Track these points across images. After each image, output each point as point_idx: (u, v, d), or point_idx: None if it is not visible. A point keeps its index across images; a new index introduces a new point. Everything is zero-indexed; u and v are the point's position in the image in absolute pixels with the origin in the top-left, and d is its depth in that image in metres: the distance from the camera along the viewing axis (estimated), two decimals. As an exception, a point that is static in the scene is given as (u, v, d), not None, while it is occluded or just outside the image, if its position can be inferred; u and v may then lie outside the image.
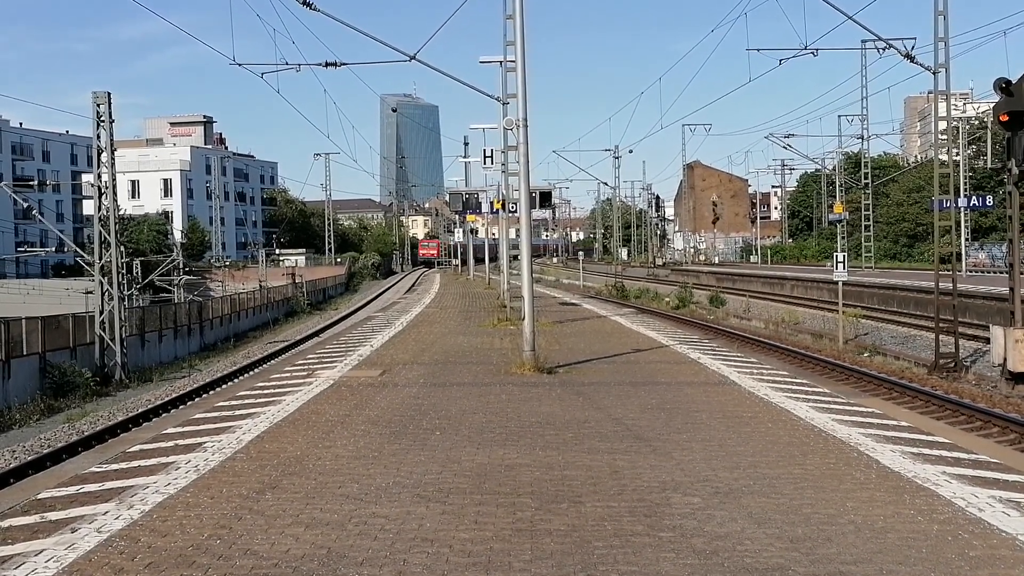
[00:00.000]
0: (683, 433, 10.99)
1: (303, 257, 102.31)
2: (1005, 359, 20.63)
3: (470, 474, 8.99)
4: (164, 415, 22.68)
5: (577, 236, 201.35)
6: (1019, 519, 7.37)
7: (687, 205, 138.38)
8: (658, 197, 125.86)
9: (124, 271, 40.86)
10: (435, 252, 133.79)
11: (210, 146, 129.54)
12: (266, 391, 15.05)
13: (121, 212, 45.28)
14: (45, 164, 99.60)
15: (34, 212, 44.47)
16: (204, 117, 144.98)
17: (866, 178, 64.64)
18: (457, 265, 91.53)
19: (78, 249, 45.93)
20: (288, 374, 17.49)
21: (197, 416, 12.96)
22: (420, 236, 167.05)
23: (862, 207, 66.11)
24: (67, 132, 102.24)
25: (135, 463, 9.82)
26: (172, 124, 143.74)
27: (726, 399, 13.62)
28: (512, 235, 46.15)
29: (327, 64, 24.14)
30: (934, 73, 26.88)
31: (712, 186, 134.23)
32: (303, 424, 11.83)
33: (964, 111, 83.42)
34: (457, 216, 70.65)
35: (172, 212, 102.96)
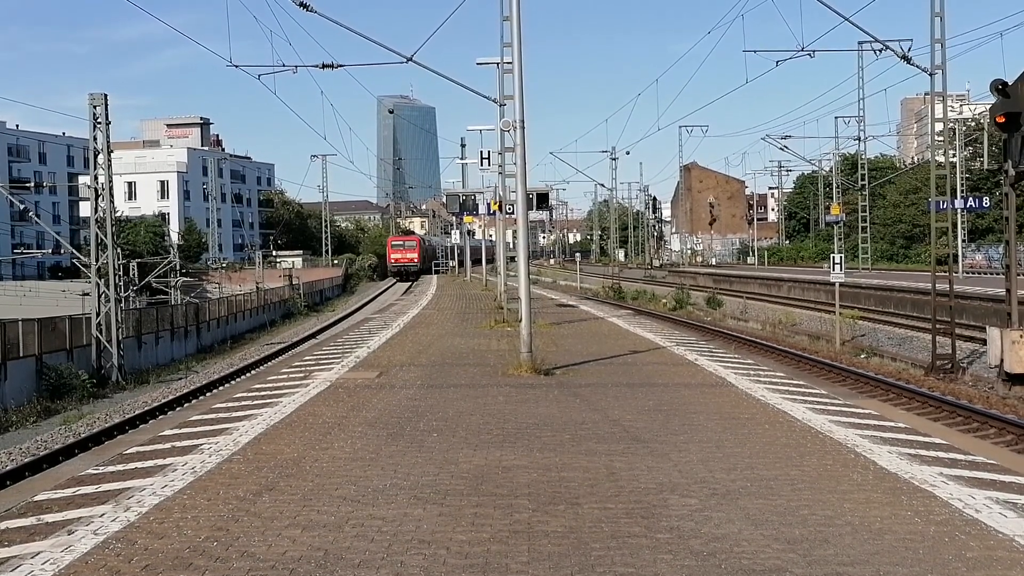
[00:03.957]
0: (680, 435, 10.99)
1: (300, 259, 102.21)
2: (1002, 360, 20.64)
3: (467, 476, 8.99)
4: (161, 417, 22.65)
5: (574, 237, 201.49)
6: (1016, 520, 7.37)
7: (684, 206, 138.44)
8: (655, 198, 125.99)
9: (121, 273, 40.84)
10: (414, 256, 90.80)
11: (207, 148, 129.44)
12: (263, 393, 15.04)
13: (118, 214, 45.26)
14: (41, 166, 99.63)
15: (30, 214, 44.36)
16: (201, 119, 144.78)
17: (863, 179, 64.72)
18: (454, 267, 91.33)
19: (75, 251, 45.94)
20: (285, 376, 17.48)
21: (194, 418, 12.95)
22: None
23: (859, 208, 66.22)
24: (64, 134, 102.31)
25: (132, 465, 9.81)
26: (169, 126, 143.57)
27: (723, 400, 13.62)
28: (509, 237, 46.18)
29: (324, 66, 24.12)
30: (931, 74, 26.90)
31: (709, 187, 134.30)
32: (300, 426, 11.82)
33: (961, 112, 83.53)
34: (454, 218, 70.52)
35: (169, 214, 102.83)
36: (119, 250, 39.48)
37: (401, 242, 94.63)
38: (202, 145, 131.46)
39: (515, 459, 9.71)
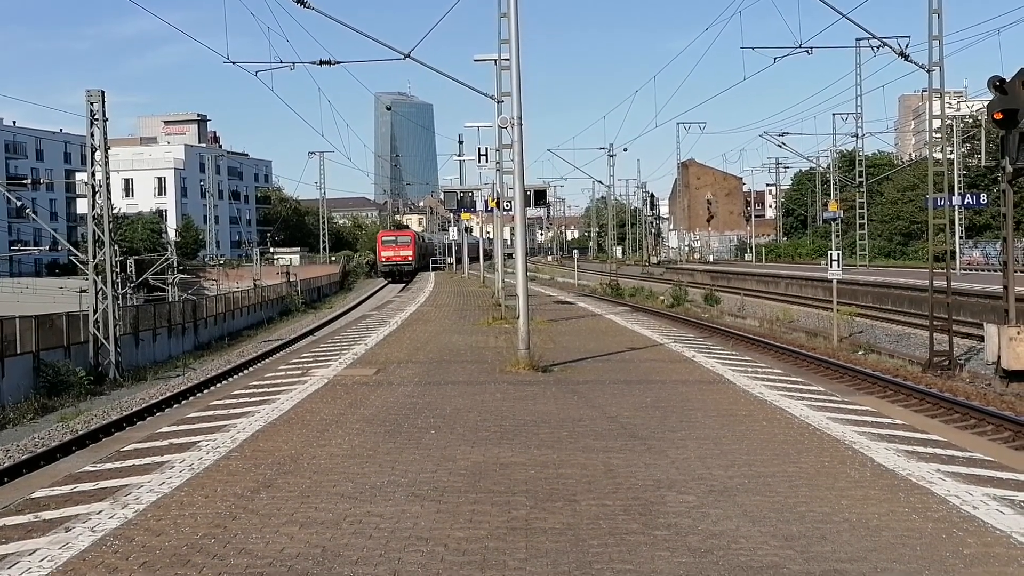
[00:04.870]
0: (678, 431, 10.99)
1: (297, 256, 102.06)
2: (999, 357, 20.67)
3: (465, 473, 8.99)
4: (158, 414, 22.63)
5: (572, 234, 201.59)
6: (1013, 517, 7.38)
7: (682, 203, 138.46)
8: (653, 195, 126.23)
9: (118, 270, 40.84)
10: (408, 254, 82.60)
11: (204, 144, 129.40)
12: (260, 390, 15.03)
13: (115, 211, 45.22)
14: (39, 163, 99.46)
15: (28, 211, 44.24)
16: (198, 115, 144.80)
17: (860, 176, 64.73)
18: (452, 264, 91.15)
19: (72, 248, 45.94)
20: (283, 373, 17.47)
21: (191, 415, 12.95)
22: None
23: (856, 205, 66.23)
24: (61, 130, 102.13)
25: (129, 462, 9.81)
26: (166, 122, 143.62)
27: (721, 397, 13.63)
28: (507, 234, 46.16)
29: (321, 62, 24.09)
30: (928, 71, 26.91)
31: (707, 184, 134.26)
32: (297, 423, 11.82)
33: (958, 109, 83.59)
34: (452, 214, 70.31)
35: (166, 210, 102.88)
36: (116, 247, 39.44)
37: (393, 238, 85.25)
38: (199, 142, 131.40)
39: (513, 456, 9.71)
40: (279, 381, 16.09)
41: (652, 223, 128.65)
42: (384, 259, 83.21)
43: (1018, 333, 20.49)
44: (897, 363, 26.37)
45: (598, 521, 7.33)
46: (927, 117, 31.69)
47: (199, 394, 25.93)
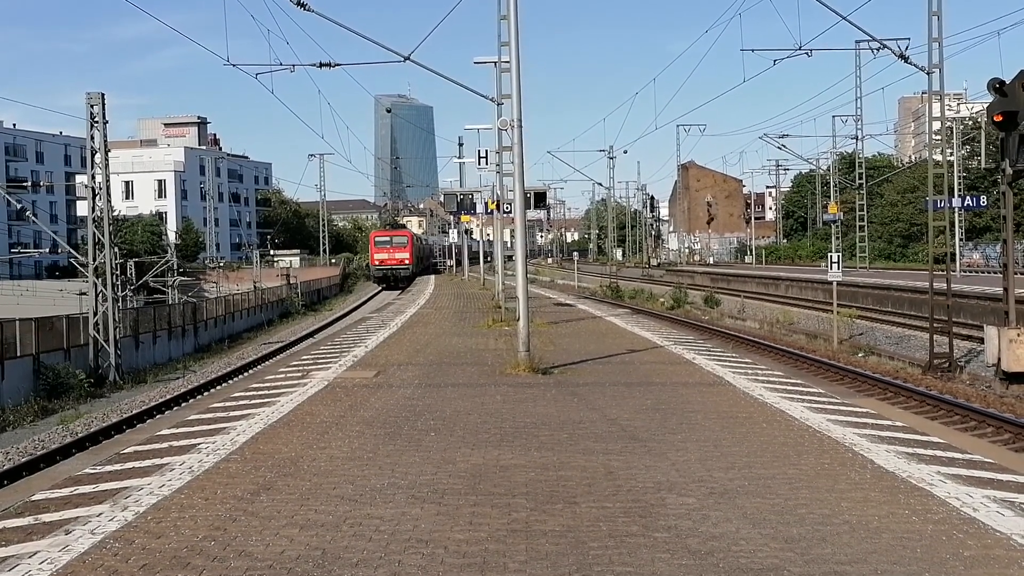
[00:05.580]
0: (678, 434, 10.99)
1: (297, 258, 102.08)
2: (999, 359, 20.66)
3: (465, 475, 8.99)
4: (158, 416, 22.64)
5: (572, 237, 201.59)
6: (1013, 519, 7.38)
7: (682, 205, 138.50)
8: (653, 198, 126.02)
9: (118, 272, 40.82)
10: (405, 257, 71.51)
11: (204, 147, 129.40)
12: (261, 392, 15.03)
13: (115, 213, 45.17)
14: (39, 165, 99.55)
15: (28, 213, 44.23)
16: (198, 118, 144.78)
17: (860, 178, 64.73)
18: (451, 266, 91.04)
19: (72, 250, 45.85)
20: (283, 375, 17.47)
21: (191, 417, 12.95)
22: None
23: (856, 207, 66.22)
24: (61, 133, 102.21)
25: (129, 464, 9.81)
26: (166, 125, 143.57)
27: (721, 400, 13.63)
28: (507, 236, 46.17)
29: (321, 65, 24.10)
30: (928, 73, 26.92)
31: (707, 186, 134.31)
32: (298, 425, 11.82)
33: (958, 111, 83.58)
34: (452, 217, 69.88)
35: (166, 213, 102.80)
36: (116, 249, 39.43)
37: (387, 239, 73.00)
38: (199, 144, 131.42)
39: (513, 458, 9.71)
40: (279, 383, 16.09)
41: (652, 225, 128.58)
42: (377, 262, 72.17)
43: (1018, 335, 20.49)
44: (897, 365, 26.36)
45: (598, 523, 7.32)
46: (927, 119, 31.71)
47: (199, 396, 25.93)
